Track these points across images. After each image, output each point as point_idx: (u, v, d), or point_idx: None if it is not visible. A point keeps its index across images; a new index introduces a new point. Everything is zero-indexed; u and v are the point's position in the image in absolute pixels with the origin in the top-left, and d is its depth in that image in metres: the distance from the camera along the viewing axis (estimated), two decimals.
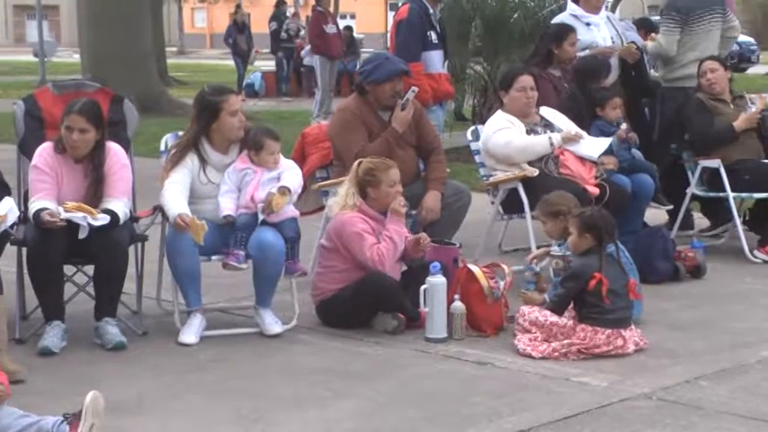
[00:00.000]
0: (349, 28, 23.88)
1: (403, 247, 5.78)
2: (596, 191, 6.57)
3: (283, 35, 23.55)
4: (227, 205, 5.75)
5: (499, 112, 7.06)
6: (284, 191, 5.70)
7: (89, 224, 5.32)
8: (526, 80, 6.98)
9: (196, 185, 5.80)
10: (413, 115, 6.66)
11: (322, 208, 6.88)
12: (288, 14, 25.16)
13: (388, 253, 5.69)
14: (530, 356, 5.22)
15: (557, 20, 8.37)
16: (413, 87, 6.74)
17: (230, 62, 25.25)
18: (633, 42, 8.35)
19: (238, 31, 23.28)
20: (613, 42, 8.11)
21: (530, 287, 5.81)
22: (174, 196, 5.67)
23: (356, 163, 5.93)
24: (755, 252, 7.39)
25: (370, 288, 5.66)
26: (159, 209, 5.77)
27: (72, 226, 5.32)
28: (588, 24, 8.19)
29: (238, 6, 24.49)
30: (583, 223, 5.45)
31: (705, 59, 7.80)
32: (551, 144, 6.80)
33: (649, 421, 4.39)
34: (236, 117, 5.83)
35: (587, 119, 7.27)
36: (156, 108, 16.72)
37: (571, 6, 8.33)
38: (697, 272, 6.93)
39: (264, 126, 6.19)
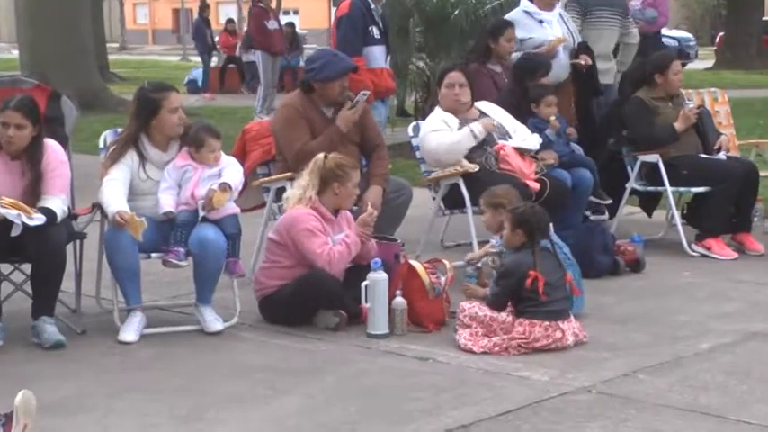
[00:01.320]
0: (291, 24, 23.78)
1: (353, 255, 5.78)
2: (537, 186, 6.62)
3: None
4: (167, 202, 5.71)
5: (437, 109, 7.11)
6: (225, 187, 5.67)
7: (23, 223, 5.24)
8: (454, 77, 7.02)
9: (135, 182, 5.75)
10: (358, 110, 6.66)
11: (263, 205, 6.87)
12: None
13: (340, 257, 5.67)
14: (471, 351, 5.24)
15: (509, 16, 8.36)
16: (364, 90, 6.76)
17: (173, 58, 25.08)
18: (585, 42, 8.38)
19: (206, 27, 23.19)
20: (564, 40, 8.13)
21: (471, 281, 5.85)
22: (113, 193, 5.62)
23: (321, 156, 5.89)
24: (693, 246, 7.48)
25: (311, 285, 5.64)
26: (98, 206, 5.72)
27: (8, 224, 5.25)
28: (541, 21, 8.22)
29: (205, 2, 24.25)
30: (514, 219, 5.50)
31: (672, 59, 7.86)
32: (474, 136, 6.80)
33: (588, 414, 4.42)
34: (176, 114, 5.79)
35: (525, 114, 7.31)
36: (97, 104, 16.56)
37: (524, 3, 8.34)
38: (636, 266, 7.00)
39: (205, 123, 6.16)
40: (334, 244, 5.72)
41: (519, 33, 8.04)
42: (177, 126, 5.78)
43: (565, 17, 8.36)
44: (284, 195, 6.12)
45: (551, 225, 5.70)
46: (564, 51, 8.12)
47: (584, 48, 8.21)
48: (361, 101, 6.63)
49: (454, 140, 6.85)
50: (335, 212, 5.84)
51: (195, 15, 25.68)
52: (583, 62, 8.10)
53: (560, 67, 8.08)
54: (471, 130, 6.83)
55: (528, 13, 8.25)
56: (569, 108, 8.05)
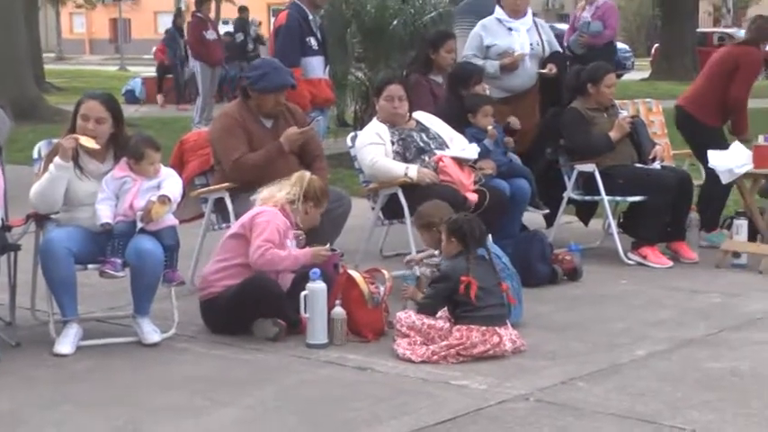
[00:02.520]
0: (230, 34, 23.70)
1: (289, 269, 5.76)
2: (475, 198, 6.65)
3: (251, 45, 23.37)
4: (105, 213, 5.64)
5: (373, 120, 7.12)
6: (164, 200, 5.63)
7: None
8: (394, 90, 7.03)
9: (72, 193, 5.68)
10: (299, 123, 6.66)
11: (201, 215, 6.84)
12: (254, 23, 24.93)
13: (279, 261, 5.65)
14: (409, 361, 5.25)
15: (483, 22, 8.36)
16: (318, 118, 6.77)
17: (110, 68, 24.84)
18: (557, 52, 8.44)
19: (180, 36, 22.96)
20: (532, 49, 8.19)
21: (410, 283, 5.86)
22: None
23: (308, 174, 5.93)
24: (629, 254, 7.56)
25: (252, 290, 5.63)
26: (33, 217, 5.65)
27: None
28: (510, 29, 8.26)
29: (179, 11, 24.01)
30: (448, 228, 5.55)
31: (607, 71, 7.92)
32: (406, 176, 6.74)
33: (526, 422, 4.45)
34: (88, 122, 5.67)
35: (463, 124, 7.35)
36: (33, 114, 16.38)
37: (498, 10, 8.37)
38: (574, 274, 7.06)
39: (145, 135, 6.10)
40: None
41: (486, 40, 8.13)
42: (91, 131, 5.68)
43: (539, 25, 8.41)
44: (261, 193, 6.02)
45: (489, 234, 5.74)
46: (531, 60, 8.17)
47: (556, 57, 8.27)
48: (312, 127, 6.66)
49: (389, 168, 6.85)
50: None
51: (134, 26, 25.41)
52: (548, 70, 8.14)
53: (526, 76, 8.15)
54: (406, 171, 6.76)
55: (499, 20, 8.29)
56: (533, 116, 8.09)
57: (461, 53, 8.33)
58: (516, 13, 8.24)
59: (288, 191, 5.84)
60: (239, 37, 23.64)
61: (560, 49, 8.45)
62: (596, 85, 7.77)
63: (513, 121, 7.58)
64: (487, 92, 7.77)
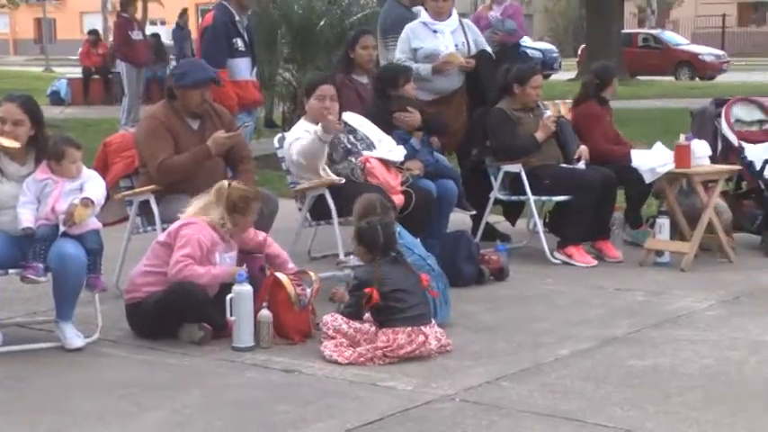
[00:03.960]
0: (156, 35, 23.51)
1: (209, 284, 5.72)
2: (401, 200, 6.66)
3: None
4: (26, 217, 5.56)
5: (301, 120, 7.10)
6: (87, 202, 5.56)
7: None
8: (326, 89, 7.01)
9: None
10: (226, 126, 6.63)
11: (125, 218, 6.77)
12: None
13: (196, 278, 5.59)
14: (336, 363, 5.25)
15: (408, 26, 8.36)
16: (247, 122, 6.74)
17: (35, 69, 24.48)
18: (483, 50, 8.48)
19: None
20: (457, 48, 8.22)
21: (341, 285, 5.86)
22: None
23: (225, 185, 5.85)
24: (555, 254, 7.64)
25: (178, 296, 5.58)
26: None
27: None
28: (435, 32, 8.29)
29: (185, 11, 23.63)
30: (355, 234, 5.60)
31: (535, 72, 7.98)
32: (319, 138, 6.69)
33: (451, 423, 4.47)
34: (4, 126, 5.60)
35: (391, 126, 7.37)
36: None
37: (423, 14, 8.41)
38: (501, 274, 7.11)
39: (64, 135, 6.03)
40: (221, 262, 5.72)
41: (414, 43, 8.17)
42: (8, 134, 5.59)
43: (466, 26, 8.45)
44: (186, 209, 5.97)
45: (414, 236, 5.77)
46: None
47: (481, 55, 8.31)
48: (240, 132, 6.63)
49: (303, 146, 6.81)
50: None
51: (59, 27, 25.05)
52: (465, 62, 8.16)
53: (454, 77, 8.21)
54: (316, 132, 6.74)
55: (424, 23, 8.33)
56: (461, 116, 8.13)
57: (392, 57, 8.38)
58: (440, 15, 8.29)
59: (212, 215, 5.76)
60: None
61: (488, 48, 8.50)
62: (522, 85, 7.83)
63: (435, 142, 7.61)
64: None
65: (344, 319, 5.44)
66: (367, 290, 5.33)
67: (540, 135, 7.77)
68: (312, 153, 6.75)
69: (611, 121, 8.38)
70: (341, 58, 8.16)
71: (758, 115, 8.35)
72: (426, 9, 8.35)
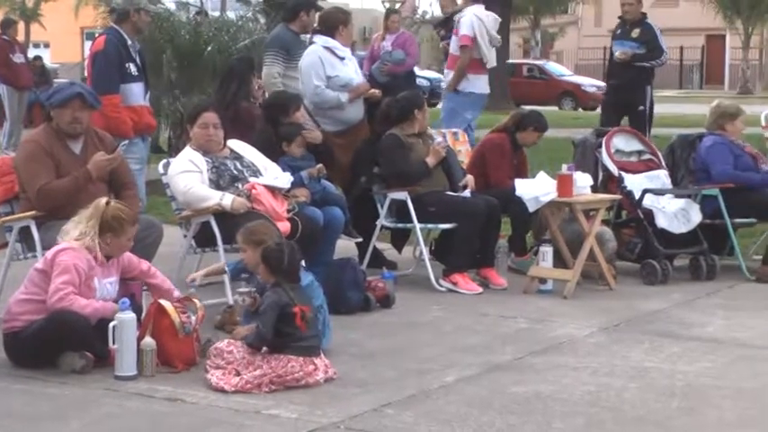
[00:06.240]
0: (38, 57, 23.08)
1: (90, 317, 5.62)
2: (287, 228, 6.65)
3: None
4: None
5: (187, 147, 7.08)
6: None
7: None
8: (209, 117, 7.01)
9: None
10: (108, 150, 6.56)
11: (5, 244, 6.63)
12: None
13: (78, 310, 5.49)
14: (222, 390, 5.20)
15: (309, 51, 8.42)
16: (123, 142, 6.73)
17: None
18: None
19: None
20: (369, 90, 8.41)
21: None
22: None
23: (103, 202, 5.75)
24: (441, 281, 7.71)
25: (58, 325, 5.47)
26: None
27: None
28: (342, 58, 8.35)
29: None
30: (261, 256, 5.57)
31: (423, 98, 8.07)
32: (220, 206, 6.72)
33: None
34: None
35: (278, 153, 7.38)
36: None
37: (322, 39, 8.44)
38: (386, 301, 7.14)
39: None
40: (101, 287, 5.63)
41: (328, 71, 8.23)
42: None
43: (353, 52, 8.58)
44: (63, 229, 5.86)
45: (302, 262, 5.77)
46: None
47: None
48: (119, 152, 6.57)
49: (202, 196, 6.81)
50: (107, 258, 5.73)
51: None
52: (377, 93, 8.32)
53: (357, 106, 8.35)
54: (221, 200, 6.74)
55: (329, 49, 8.36)
56: None
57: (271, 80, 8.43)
58: (348, 42, 8.44)
59: (81, 229, 5.67)
60: None
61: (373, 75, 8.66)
62: (421, 110, 7.92)
63: (321, 170, 7.65)
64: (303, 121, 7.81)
65: (236, 346, 5.39)
66: (295, 309, 5.31)
67: (431, 161, 7.86)
68: (207, 204, 6.76)
69: (518, 163, 8.45)
70: (238, 89, 8.13)
71: (637, 146, 8.59)
72: (335, 36, 8.42)
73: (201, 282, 6.15)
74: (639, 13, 11.55)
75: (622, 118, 11.45)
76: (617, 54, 11.38)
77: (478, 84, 10.82)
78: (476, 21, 10.66)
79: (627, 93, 11.39)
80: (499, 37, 10.56)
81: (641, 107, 11.33)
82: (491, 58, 10.70)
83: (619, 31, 11.65)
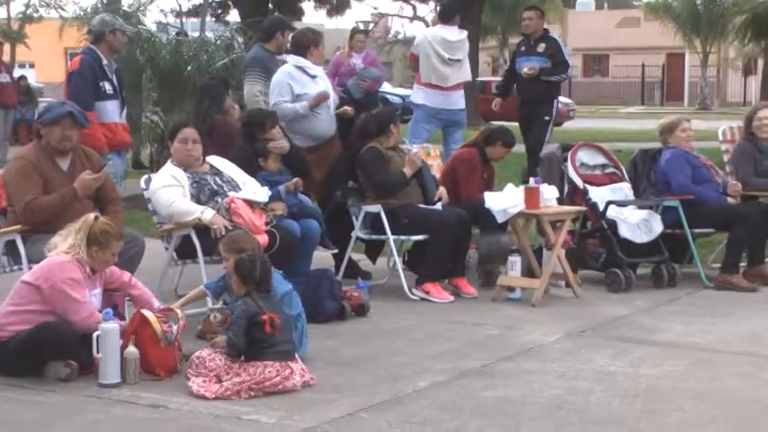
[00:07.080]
0: (23, 77, 23.18)
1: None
2: (265, 241, 6.83)
3: None
4: None
5: (168, 163, 7.26)
6: None
7: None
8: (188, 133, 7.22)
9: None
10: (95, 167, 6.73)
11: None
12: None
13: (92, 319, 5.66)
14: (203, 397, 5.34)
15: (283, 70, 8.64)
16: (111, 161, 6.87)
17: None
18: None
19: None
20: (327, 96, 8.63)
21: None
22: None
23: (92, 217, 5.91)
24: (414, 290, 7.89)
25: (44, 335, 5.62)
26: None
27: None
28: (314, 77, 8.59)
29: None
30: (233, 267, 5.77)
31: (395, 114, 8.29)
32: (200, 219, 6.90)
33: None
34: None
35: (256, 168, 7.58)
36: None
37: (294, 58, 8.68)
38: (362, 310, 7.31)
39: None
40: (88, 299, 5.77)
41: (296, 89, 8.49)
42: None
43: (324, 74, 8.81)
44: (51, 241, 6.03)
45: (276, 272, 5.96)
46: (330, 107, 8.62)
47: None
48: (107, 171, 6.74)
49: (184, 209, 6.99)
50: (92, 270, 5.89)
51: None
52: (342, 112, 8.60)
53: (328, 122, 8.61)
54: (202, 214, 6.91)
55: (300, 68, 8.59)
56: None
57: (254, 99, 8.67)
58: (320, 61, 8.68)
59: (71, 242, 5.82)
60: None
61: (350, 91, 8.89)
62: (396, 125, 8.16)
63: (298, 183, 7.84)
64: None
65: (215, 353, 5.57)
66: (264, 317, 5.47)
67: (408, 171, 8.05)
68: (189, 218, 6.93)
69: (487, 177, 8.64)
70: (211, 105, 8.35)
71: (601, 160, 8.80)
72: (308, 56, 8.67)
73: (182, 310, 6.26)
74: (542, 29, 11.75)
75: None
76: (524, 70, 11.46)
77: (431, 98, 10.89)
78: (422, 39, 10.99)
79: (537, 106, 11.53)
80: (447, 56, 10.72)
81: (546, 117, 11.51)
82: (444, 76, 10.77)
83: (523, 48, 11.80)
